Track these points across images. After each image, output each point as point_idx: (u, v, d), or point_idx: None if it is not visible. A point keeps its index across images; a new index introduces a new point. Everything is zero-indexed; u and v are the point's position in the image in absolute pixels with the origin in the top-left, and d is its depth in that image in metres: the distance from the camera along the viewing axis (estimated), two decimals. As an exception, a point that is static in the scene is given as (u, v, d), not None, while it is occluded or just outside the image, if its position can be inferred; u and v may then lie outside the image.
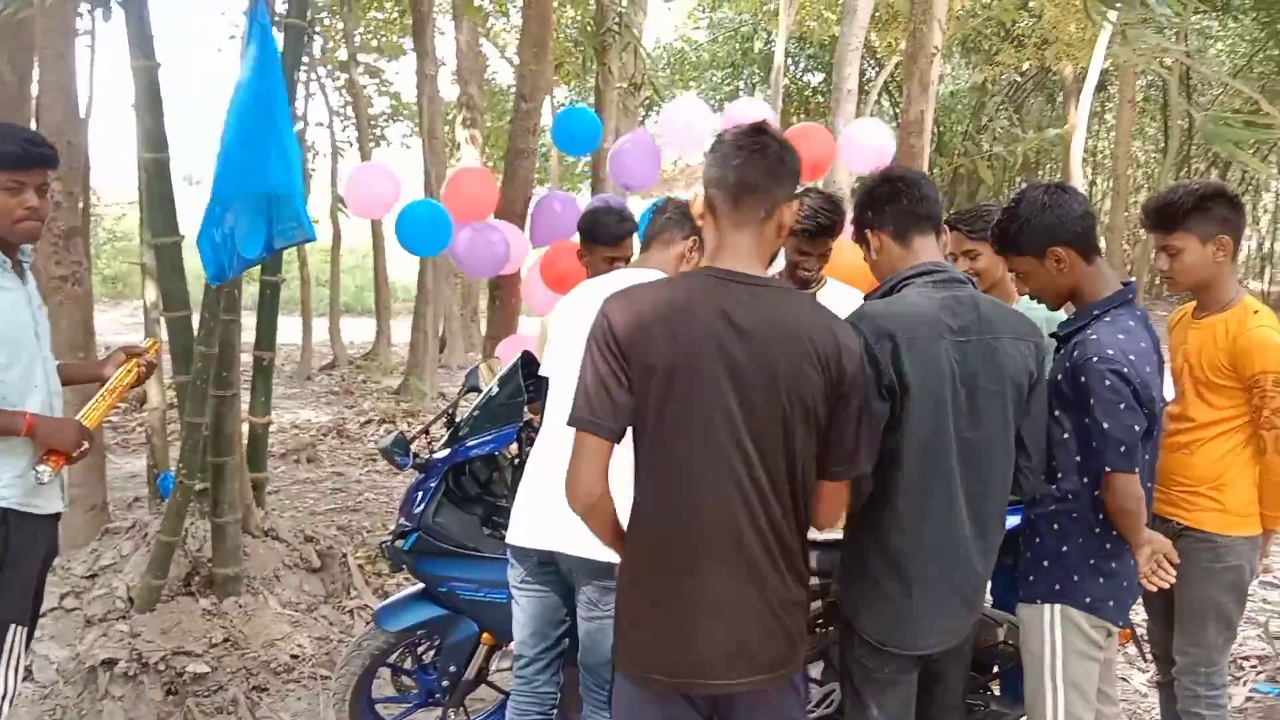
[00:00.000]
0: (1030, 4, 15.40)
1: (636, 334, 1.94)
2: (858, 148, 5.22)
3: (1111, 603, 2.52)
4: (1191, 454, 2.85)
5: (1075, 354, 2.47)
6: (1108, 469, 2.40)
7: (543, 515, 2.73)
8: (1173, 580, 2.52)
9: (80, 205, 5.44)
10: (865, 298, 2.52)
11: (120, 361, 2.91)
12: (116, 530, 4.68)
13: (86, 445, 2.65)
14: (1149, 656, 3.32)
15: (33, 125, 4.72)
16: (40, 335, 2.73)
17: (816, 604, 3.04)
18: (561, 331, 2.88)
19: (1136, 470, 2.41)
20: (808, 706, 3.00)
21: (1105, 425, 2.38)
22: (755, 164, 1.99)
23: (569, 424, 2.01)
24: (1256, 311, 2.80)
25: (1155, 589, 2.56)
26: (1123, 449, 2.38)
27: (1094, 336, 2.45)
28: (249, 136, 3.14)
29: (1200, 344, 2.84)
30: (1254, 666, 4.42)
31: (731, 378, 1.93)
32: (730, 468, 1.95)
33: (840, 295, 3.36)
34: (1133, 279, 2.65)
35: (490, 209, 5.05)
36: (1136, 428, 2.40)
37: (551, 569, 2.82)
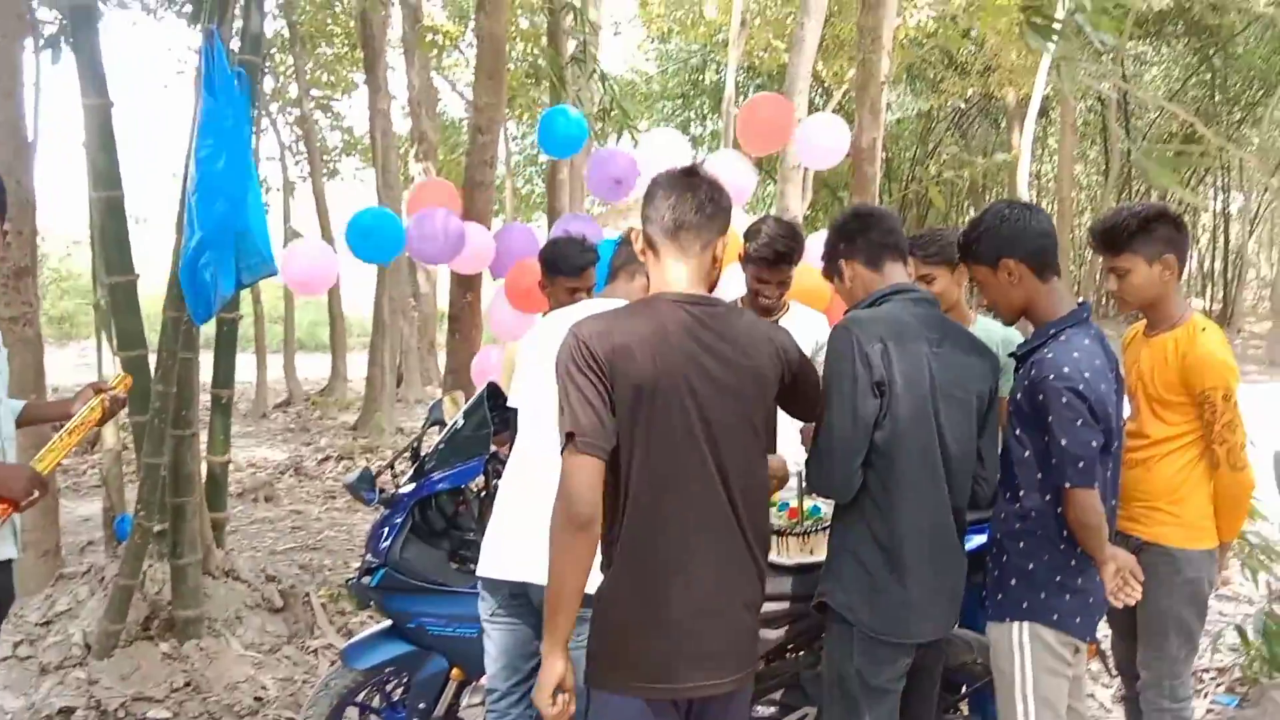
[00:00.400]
0: (973, 33, 15.73)
1: (618, 355, 2.04)
2: (813, 143, 5.26)
3: (1078, 619, 2.55)
4: (1149, 470, 2.90)
5: (1033, 373, 2.53)
6: (1067, 485, 2.44)
7: (514, 547, 2.72)
8: (1139, 596, 2.53)
9: (28, 245, 5.37)
10: (845, 312, 2.65)
11: (87, 398, 2.83)
12: (71, 575, 4.59)
13: (37, 494, 2.57)
14: (1113, 671, 3.37)
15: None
16: None
17: (782, 630, 3.06)
18: (533, 361, 2.87)
19: (1095, 485, 2.46)
20: None
21: (1063, 442, 2.43)
22: (687, 204, 2.16)
23: (561, 450, 2.05)
24: (1204, 329, 2.87)
25: (1122, 605, 2.59)
26: (1080, 465, 2.43)
27: (1050, 355, 2.50)
28: (223, 177, 3.13)
29: (1152, 362, 2.91)
30: (1213, 678, 4.49)
31: (705, 392, 2.08)
32: (709, 477, 2.09)
33: (805, 318, 3.41)
34: (1085, 299, 2.71)
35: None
36: (1094, 443, 2.44)
37: (523, 600, 2.79)
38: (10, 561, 2.74)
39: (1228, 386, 2.79)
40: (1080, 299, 2.70)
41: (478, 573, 2.86)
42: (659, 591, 2.08)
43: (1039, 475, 2.53)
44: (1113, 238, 2.85)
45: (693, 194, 2.17)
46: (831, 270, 2.69)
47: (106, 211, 4.11)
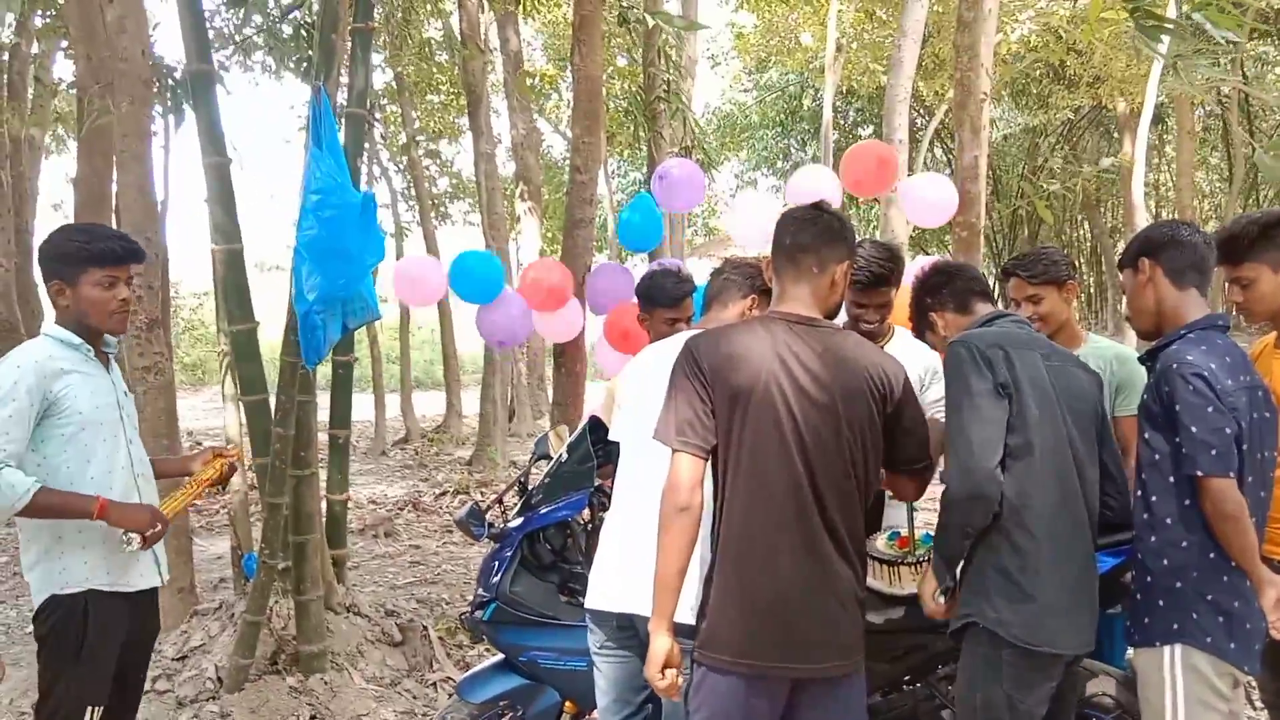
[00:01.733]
0: (1078, 44, 15.32)
1: (719, 364, 2.29)
2: (919, 200, 5.23)
3: (1233, 644, 2.38)
4: None
5: (1158, 367, 2.47)
6: (1199, 474, 2.33)
7: (621, 579, 2.73)
8: None
9: (160, 297, 5.67)
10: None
11: (207, 459, 3.13)
12: (204, 611, 4.78)
13: (160, 527, 2.79)
14: (1258, 705, 3.17)
15: (113, 222, 4.95)
16: (125, 419, 2.90)
17: (898, 662, 3.00)
18: (632, 395, 2.91)
19: (1232, 475, 2.33)
20: None
21: (1193, 429, 2.33)
22: (807, 229, 2.40)
23: (655, 438, 2.34)
24: None
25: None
26: (1214, 452, 2.31)
27: (1175, 349, 2.45)
28: (330, 226, 3.27)
29: None
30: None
31: (796, 402, 2.25)
32: (797, 480, 2.24)
33: (910, 343, 3.36)
34: (1222, 314, 2.62)
35: (567, 295, 5.18)
36: (1227, 430, 2.33)
37: (631, 633, 2.79)
38: (153, 591, 2.96)
39: None
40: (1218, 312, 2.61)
41: (585, 605, 2.88)
42: (746, 579, 2.26)
43: (1172, 479, 2.42)
44: (1234, 247, 2.75)
45: (814, 222, 2.40)
46: (923, 325, 2.84)
47: (227, 263, 4.31)
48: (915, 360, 3.19)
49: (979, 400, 2.40)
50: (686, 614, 2.37)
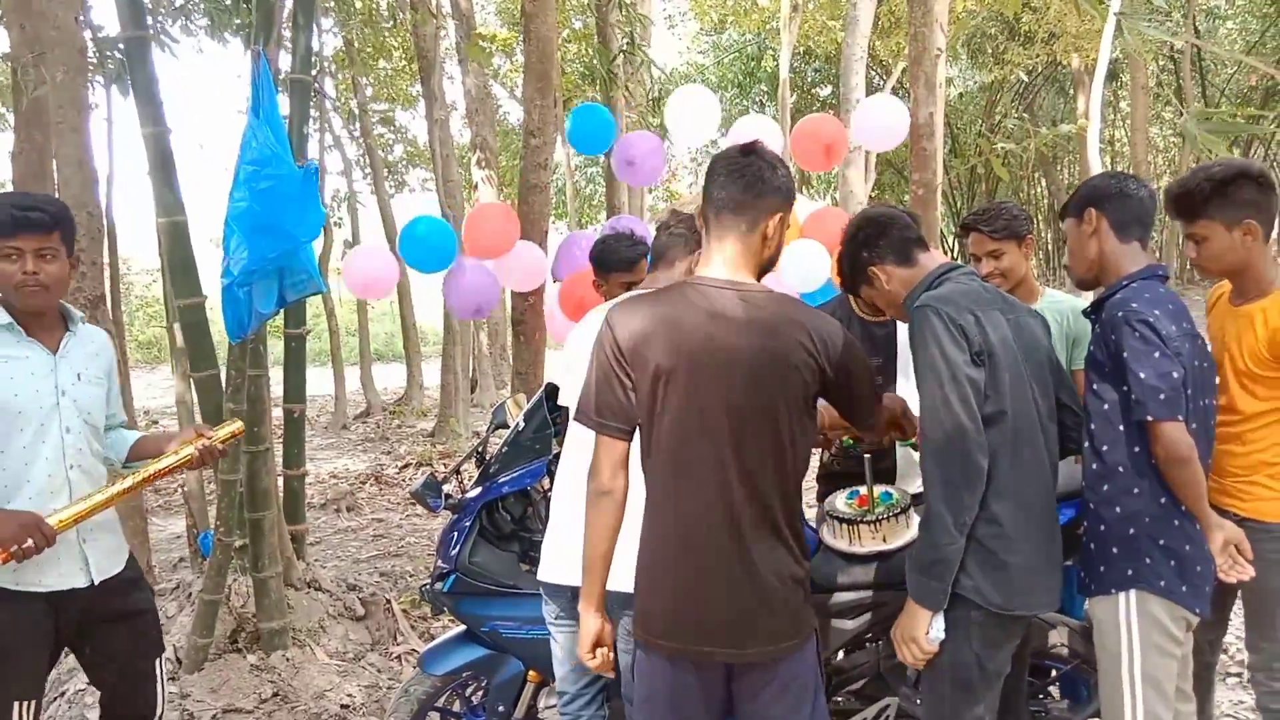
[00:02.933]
0: (1032, 0, 15.34)
1: (636, 340, 2.16)
2: (871, 125, 5.19)
3: (1185, 588, 2.41)
4: (1243, 444, 2.73)
5: (1103, 316, 2.47)
6: (1149, 418, 2.33)
7: (573, 550, 2.70)
8: (1251, 573, 2.44)
9: (106, 273, 5.52)
10: (904, 302, 2.61)
11: (189, 440, 2.80)
12: (162, 592, 4.72)
13: (30, 542, 2.47)
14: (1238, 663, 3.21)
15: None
16: (64, 407, 2.67)
17: (860, 620, 3.00)
18: (578, 357, 2.87)
19: (1181, 418, 2.33)
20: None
21: (1141, 375, 2.33)
22: (735, 180, 2.21)
23: (574, 419, 2.28)
24: None
25: (1235, 581, 2.47)
26: (1162, 396, 2.32)
27: (1119, 297, 2.45)
28: (266, 198, 3.13)
29: (1239, 333, 2.75)
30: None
31: (723, 374, 2.12)
32: (723, 456, 2.13)
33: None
34: (1161, 265, 2.61)
35: (512, 242, 5.05)
36: (1174, 374, 2.33)
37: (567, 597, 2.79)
38: (74, 591, 2.69)
39: None
40: (1159, 263, 2.60)
41: (539, 577, 2.86)
42: (669, 560, 2.19)
43: (1121, 427, 2.43)
44: (1187, 203, 2.71)
45: (742, 173, 2.20)
46: (859, 281, 2.67)
47: (172, 236, 4.21)
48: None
49: (958, 371, 2.29)
50: (625, 584, 2.33)
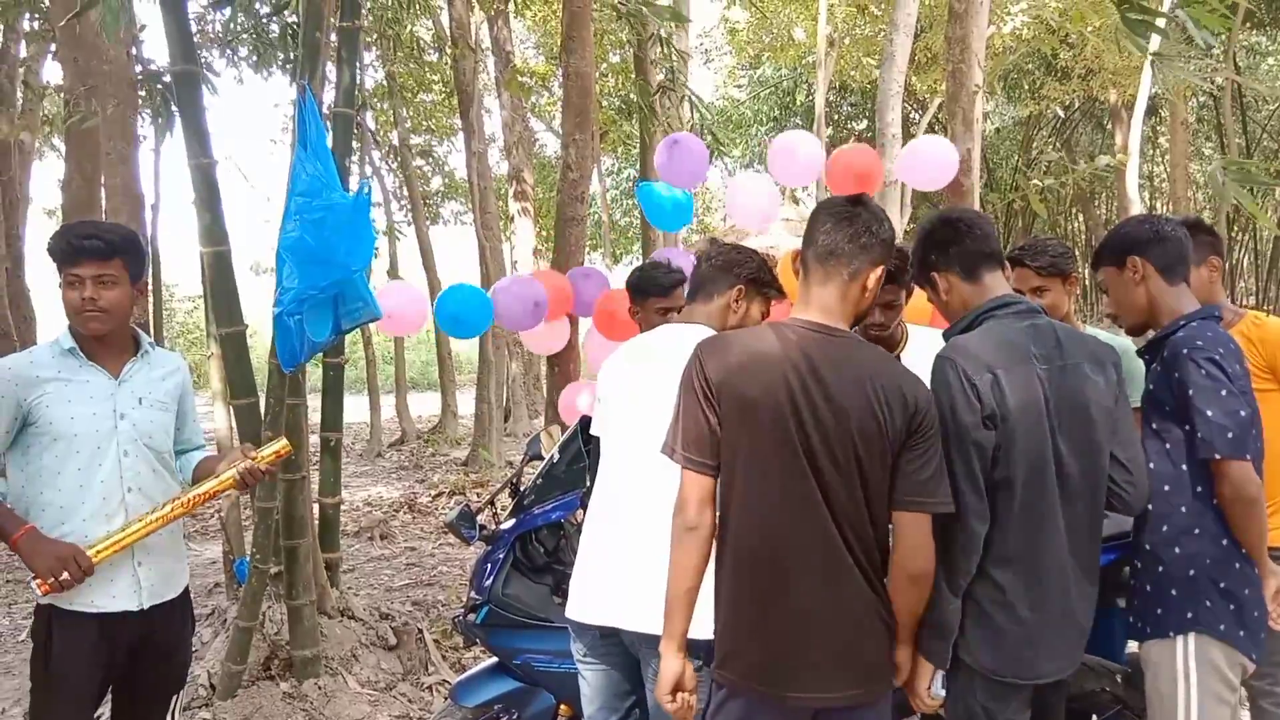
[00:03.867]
0: (1070, 36, 15.27)
1: (726, 376, 2.14)
2: (919, 165, 5.17)
3: (1243, 633, 2.37)
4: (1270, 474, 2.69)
5: (1165, 354, 2.44)
6: (1218, 457, 2.30)
7: (600, 589, 2.66)
8: None
9: (150, 301, 5.63)
10: (944, 334, 2.51)
11: (235, 461, 2.77)
12: (197, 618, 4.74)
13: (67, 574, 2.50)
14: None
15: (103, 228, 4.89)
16: (123, 430, 2.69)
17: None
18: (612, 389, 2.84)
19: (1249, 458, 2.31)
20: None
21: (1209, 413, 2.31)
22: (842, 229, 2.20)
23: (662, 453, 2.22)
24: (1261, 319, 2.92)
25: None
26: (1230, 435, 2.29)
27: (1181, 335, 2.43)
28: (316, 228, 3.16)
29: None
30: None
31: (809, 416, 2.09)
32: (811, 499, 2.09)
33: (926, 343, 3.24)
34: (1214, 305, 2.66)
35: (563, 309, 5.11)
36: (1242, 413, 2.31)
37: (614, 641, 2.73)
38: (137, 613, 2.70)
39: None
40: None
41: (566, 614, 2.80)
42: (757, 600, 2.14)
43: (1184, 467, 2.39)
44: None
45: (850, 222, 2.20)
46: (924, 281, 2.54)
47: (215, 265, 4.27)
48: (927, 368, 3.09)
49: (965, 436, 2.20)
50: (707, 630, 2.25)
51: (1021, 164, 24.46)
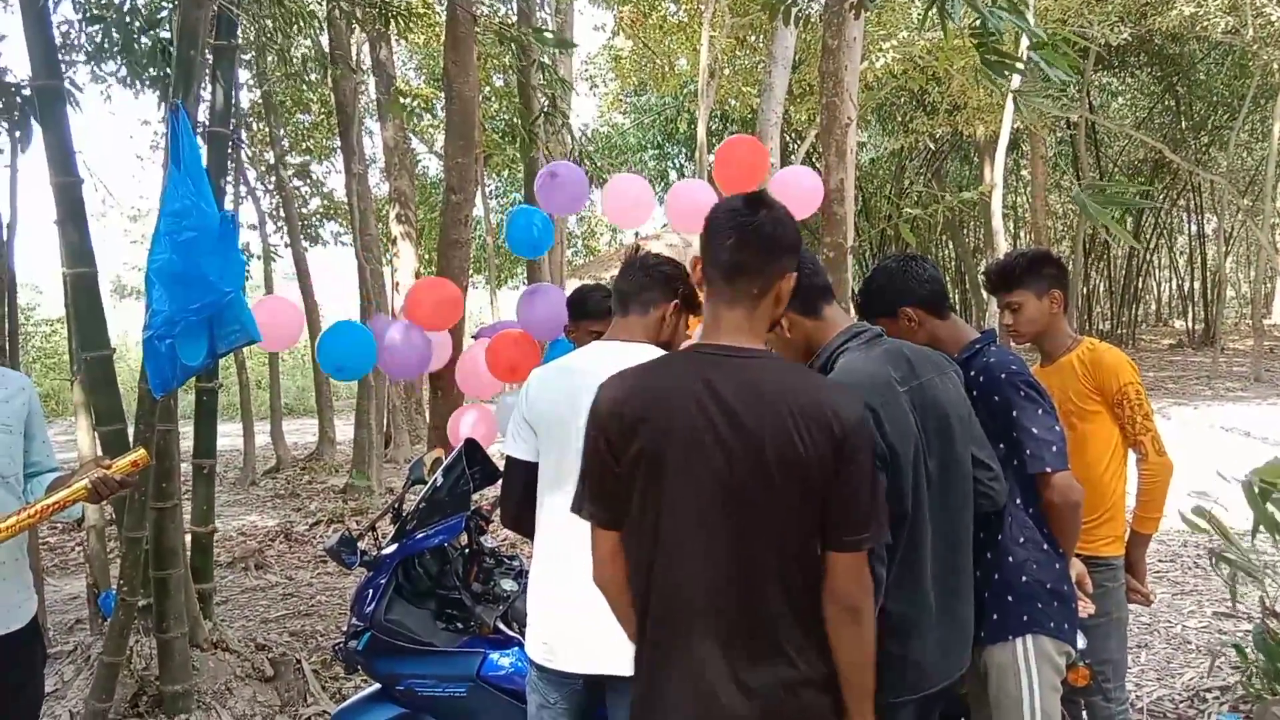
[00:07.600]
0: (937, 74, 15.97)
1: (624, 421, 1.92)
2: (787, 196, 5.27)
3: (1066, 625, 2.59)
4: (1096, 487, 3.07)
5: (981, 379, 2.61)
6: (1048, 470, 2.52)
7: (591, 634, 2.47)
8: (1093, 609, 2.74)
9: (4, 324, 5.37)
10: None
11: (88, 470, 2.59)
12: (57, 655, 4.54)
13: None
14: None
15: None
16: None
17: None
18: (551, 418, 2.62)
19: (1069, 468, 2.55)
20: None
21: (1035, 431, 2.53)
22: (749, 243, 1.96)
23: (571, 510, 2.07)
24: (1095, 345, 3.23)
25: (1085, 616, 2.71)
26: (1054, 449, 2.53)
27: (993, 360, 2.63)
28: (188, 249, 3.07)
29: (1061, 383, 3.17)
30: (1216, 697, 4.48)
31: (719, 455, 1.86)
32: (719, 546, 1.87)
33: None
34: (991, 329, 3.11)
35: (456, 316, 4.97)
36: (1057, 428, 2.56)
37: (593, 693, 2.62)
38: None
39: (1137, 382, 3.13)
40: (986, 329, 2.96)
41: (544, 665, 2.61)
42: (665, 659, 1.93)
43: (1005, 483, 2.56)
44: (1006, 276, 3.22)
45: (756, 232, 1.95)
46: None
47: (79, 287, 4.10)
48: None
49: None
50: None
51: (894, 194, 25.39)
